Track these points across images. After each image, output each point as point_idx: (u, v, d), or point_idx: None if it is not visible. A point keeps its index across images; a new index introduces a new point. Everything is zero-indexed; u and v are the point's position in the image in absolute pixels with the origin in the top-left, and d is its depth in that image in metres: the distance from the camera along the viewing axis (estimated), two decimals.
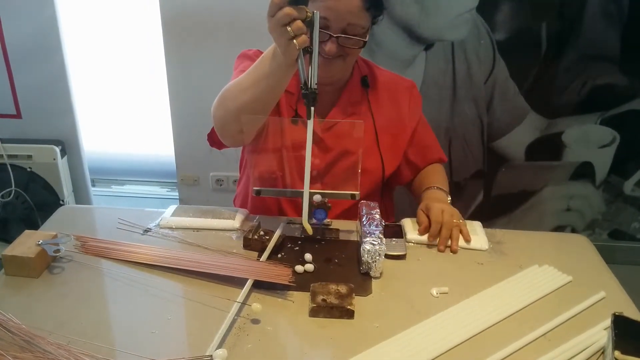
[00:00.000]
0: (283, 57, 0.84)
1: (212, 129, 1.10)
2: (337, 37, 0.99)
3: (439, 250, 1.01)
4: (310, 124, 0.88)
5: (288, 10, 0.78)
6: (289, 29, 0.79)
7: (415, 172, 1.26)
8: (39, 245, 0.88)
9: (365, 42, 1.02)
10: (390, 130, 1.18)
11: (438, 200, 1.09)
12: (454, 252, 1.00)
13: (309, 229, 0.95)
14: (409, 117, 1.21)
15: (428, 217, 1.04)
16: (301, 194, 1.05)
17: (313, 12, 0.81)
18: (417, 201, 1.24)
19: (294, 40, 0.80)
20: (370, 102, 1.16)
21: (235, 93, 0.96)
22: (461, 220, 1.04)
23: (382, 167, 1.17)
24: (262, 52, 1.15)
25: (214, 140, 1.13)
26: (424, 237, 1.03)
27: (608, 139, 1.98)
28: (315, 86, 0.85)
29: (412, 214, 1.12)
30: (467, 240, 1.02)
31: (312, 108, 0.87)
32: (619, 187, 2.07)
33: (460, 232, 1.03)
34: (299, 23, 0.79)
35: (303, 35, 0.80)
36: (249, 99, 0.94)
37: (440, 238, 1.01)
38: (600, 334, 0.78)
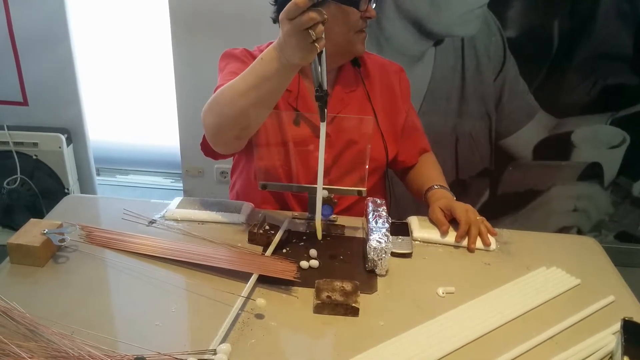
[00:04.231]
0: (298, 60, 0.80)
1: (205, 138, 1.04)
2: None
3: (470, 250, 0.99)
4: (323, 126, 0.86)
5: (314, 14, 0.74)
6: (311, 32, 0.76)
7: (408, 157, 1.23)
8: (44, 234, 0.88)
9: None
10: (387, 113, 1.17)
11: (453, 200, 1.08)
12: (471, 251, 0.99)
13: (320, 235, 0.95)
14: (402, 100, 1.20)
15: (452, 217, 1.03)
16: (307, 189, 1.05)
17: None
18: (412, 193, 1.23)
19: (316, 44, 0.77)
20: (365, 83, 1.15)
21: (233, 97, 0.90)
22: (479, 217, 1.04)
23: (386, 152, 1.15)
24: (248, 51, 1.12)
25: (208, 149, 1.05)
26: (430, 236, 1.02)
27: (618, 140, 1.96)
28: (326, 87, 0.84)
29: (417, 211, 1.12)
30: (493, 234, 1.02)
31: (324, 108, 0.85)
32: (628, 188, 2.05)
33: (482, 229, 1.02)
34: (321, 26, 0.76)
35: (323, 38, 0.78)
36: (250, 102, 0.89)
37: (470, 237, 1.00)
38: (608, 338, 0.77)
